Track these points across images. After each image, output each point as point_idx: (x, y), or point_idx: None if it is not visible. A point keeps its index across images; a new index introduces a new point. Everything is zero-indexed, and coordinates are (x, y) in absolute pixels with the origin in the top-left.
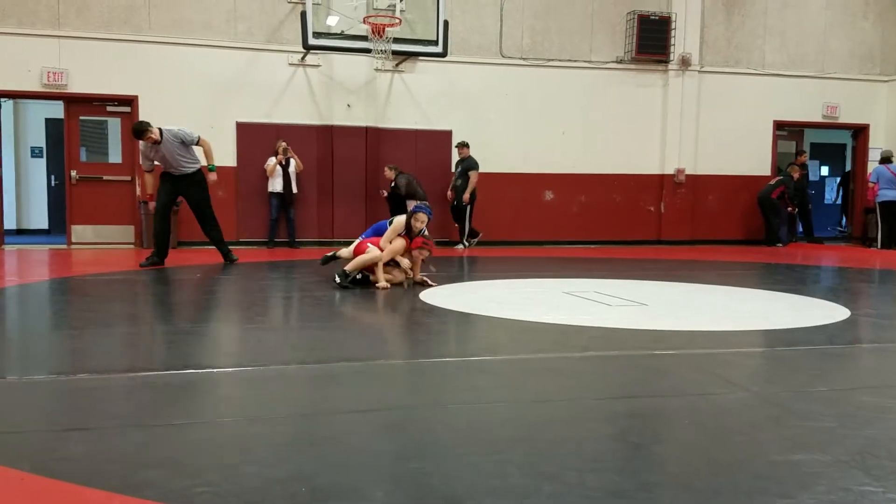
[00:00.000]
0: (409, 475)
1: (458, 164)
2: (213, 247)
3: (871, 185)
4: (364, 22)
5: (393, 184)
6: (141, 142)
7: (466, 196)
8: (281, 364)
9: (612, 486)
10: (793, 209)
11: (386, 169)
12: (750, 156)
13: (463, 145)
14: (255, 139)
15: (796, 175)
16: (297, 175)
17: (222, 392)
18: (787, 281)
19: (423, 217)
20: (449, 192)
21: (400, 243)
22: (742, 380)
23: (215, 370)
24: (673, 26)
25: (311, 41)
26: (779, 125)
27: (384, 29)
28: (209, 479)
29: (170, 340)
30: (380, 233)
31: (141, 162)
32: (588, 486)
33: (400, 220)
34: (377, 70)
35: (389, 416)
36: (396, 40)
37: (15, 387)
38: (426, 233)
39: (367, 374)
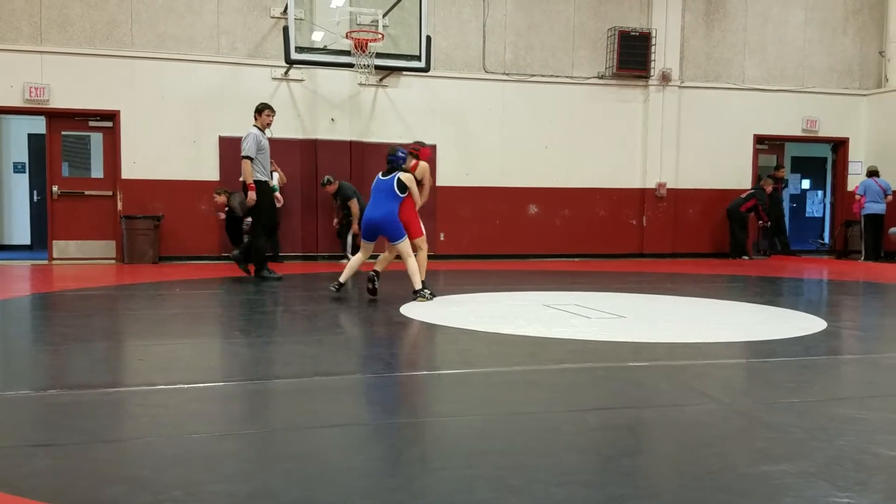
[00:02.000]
0: (376, 491)
1: (334, 197)
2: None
3: (857, 197)
4: (347, 37)
5: (227, 207)
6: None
7: (355, 227)
8: (255, 379)
9: (579, 499)
10: (765, 222)
11: (215, 195)
12: (731, 169)
13: (327, 183)
14: (238, 153)
15: (769, 189)
16: (281, 189)
17: (193, 408)
18: (766, 293)
19: (405, 155)
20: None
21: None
22: (716, 391)
23: (187, 386)
24: (653, 42)
25: (294, 56)
26: (759, 139)
27: (367, 44)
28: (174, 496)
29: (143, 356)
30: (382, 191)
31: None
32: (554, 499)
33: (408, 176)
34: (361, 85)
35: (361, 430)
36: (380, 55)
37: None
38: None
39: (341, 389)
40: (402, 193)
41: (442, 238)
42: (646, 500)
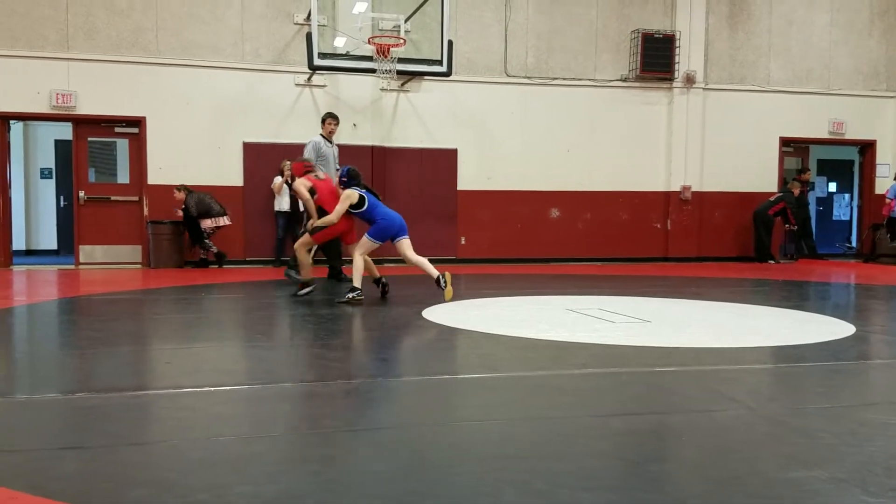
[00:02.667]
0: (400, 494)
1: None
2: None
3: (888, 200)
4: (369, 42)
5: (184, 205)
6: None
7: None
8: (279, 382)
9: None
10: (793, 225)
11: (175, 191)
12: (756, 172)
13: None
14: (262, 159)
15: (796, 191)
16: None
17: (219, 410)
18: (793, 297)
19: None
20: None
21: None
22: (743, 397)
23: (213, 389)
24: (677, 44)
25: (317, 62)
26: (784, 142)
27: (389, 49)
28: (200, 499)
29: (169, 359)
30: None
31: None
32: (580, 503)
33: (347, 192)
34: (383, 90)
35: (385, 434)
36: (401, 60)
37: (16, 406)
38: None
39: (364, 393)
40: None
41: (463, 242)
42: None
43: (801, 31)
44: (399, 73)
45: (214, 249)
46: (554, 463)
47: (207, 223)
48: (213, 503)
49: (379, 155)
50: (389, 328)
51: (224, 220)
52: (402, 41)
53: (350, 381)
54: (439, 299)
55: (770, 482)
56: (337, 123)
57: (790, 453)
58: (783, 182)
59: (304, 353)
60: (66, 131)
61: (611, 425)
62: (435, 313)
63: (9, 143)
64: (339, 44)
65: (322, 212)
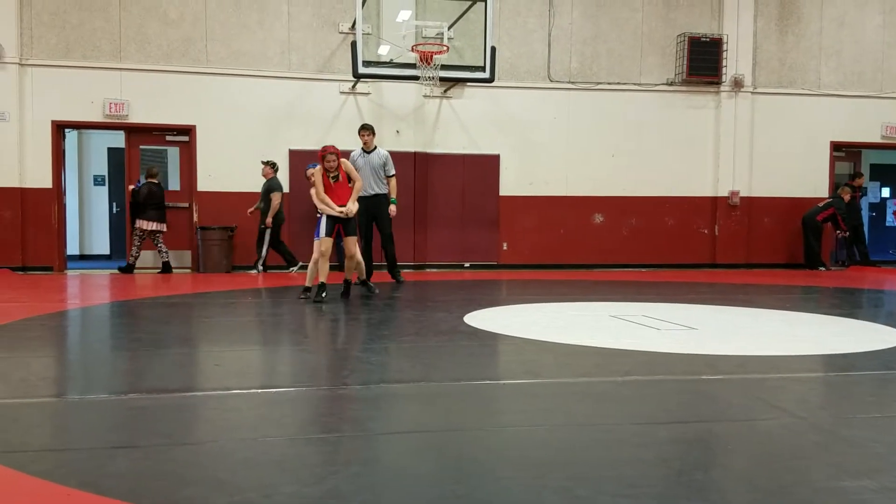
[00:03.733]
0: (443, 497)
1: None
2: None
3: None
4: (412, 50)
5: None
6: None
7: (268, 220)
8: (323, 385)
9: None
10: (844, 232)
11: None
12: (806, 177)
13: (267, 164)
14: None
15: (847, 197)
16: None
17: (266, 412)
18: (844, 305)
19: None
20: (249, 212)
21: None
22: (791, 405)
23: (260, 390)
24: (724, 47)
25: (361, 70)
26: (836, 146)
27: (432, 56)
28: (248, 498)
29: (217, 361)
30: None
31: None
32: None
33: (315, 169)
34: (426, 97)
35: (428, 438)
36: (444, 67)
37: (70, 406)
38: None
39: (407, 396)
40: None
41: (505, 248)
42: None
43: (853, 33)
44: (442, 79)
45: (164, 254)
46: (596, 470)
47: (141, 223)
48: (262, 502)
49: (421, 161)
50: (431, 333)
51: (154, 226)
52: (445, 48)
53: (392, 385)
54: (482, 305)
55: (818, 492)
56: (369, 134)
57: (839, 463)
58: (834, 187)
59: (347, 356)
60: (118, 139)
61: (654, 433)
62: (477, 318)
63: (64, 151)
64: (383, 52)
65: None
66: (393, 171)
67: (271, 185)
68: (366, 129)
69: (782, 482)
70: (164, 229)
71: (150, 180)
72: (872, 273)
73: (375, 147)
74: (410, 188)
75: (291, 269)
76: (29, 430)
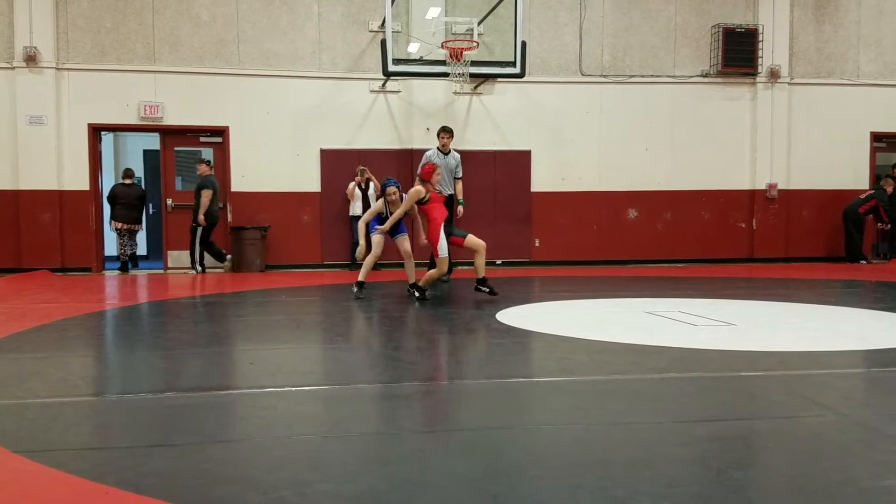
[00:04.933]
0: (478, 496)
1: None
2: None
3: None
4: (442, 47)
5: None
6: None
7: (200, 217)
8: (357, 383)
9: None
10: (886, 224)
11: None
12: (846, 169)
13: (202, 162)
14: (338, 165)
15: (889, 189)
16: (376, 197)
17: (300, 410)
18: (887, 299)
19: (392, 189)
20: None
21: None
22: (833, 402)
23: (294, 389)
24: (760, 38)
25: (391, 68)
26: (876, 136)
27: (462, 53)
28: (283, 496)
29: (251, 360)
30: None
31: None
32: None
33: (378, 205)
34: (456, 93)
35: (462, 436)
36: (474, 63)
37: (107, 405)
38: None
39: (441, 395)
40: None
41: (537, 244)
42: None
43: (892, 22)
44: (472, 76)
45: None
46: (633, 469)
47: (112, 223)
48: (296, 501)
49: None
50: (464, 331)
51: (120, 225)
52: (475, 44)
53: (426, 383)
54: (515, 302)
55: (863, 491)
56: (449, 136)
57: (884, 461)
58: (875, 179)
59: (380, 354)
60: (153, 141)
61: (692, 431)
62: (510, 315)
63: (100, 153)
64: (413, 49)
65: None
66: (461, 174)
67: (203, 183)
68: (446, 132)
69: (826, 482)
70: (136, 228)
71: (123, 181)
72: None
73: (451, 150)
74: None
75: (223, 264)
76: (68, 428)
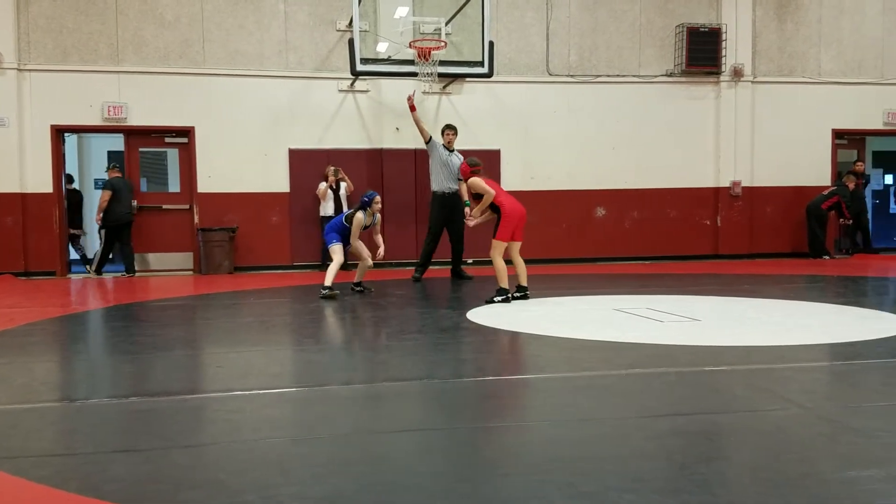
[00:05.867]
0: (446, 495)
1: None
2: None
3: None
4: (410, 46)
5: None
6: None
7: (97, 216)
8: (326, 385)
9: None
10: (848, 220)
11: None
12: (809, 166)
13: (112, 168)
14: (308, 165)
15: (851, 185)
16: (348, 197)
17: (269, 413)
18: (849, 293)
19: (377, 199)
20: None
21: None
22: (797, 396)
23: (262, 391)
24: (724, 37)
25: (359, 67)
26: (838, 134)
27: (430, 52)
28: (248, 500)
29: (219, 363)
30: (335, 229)
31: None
32: None
33: (359, 217)
34: (425, 93)
35: (432, 436)
36: (443, 63)
37: (72, 410)
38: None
39: (411, 395)
40: (346, 223)
41: None
42: None
43: (853, 20)
44: (440, 75)
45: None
46: (601, 465)
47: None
48: None
49: (422, 158)
50: (435, 330)
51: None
52: (442, 44)
53: (395, 384)
54: (485, 300)
55: (826, 483)
56: (454, 133)
57: (846, 453)
58: (837, 175)
59: (350, 355)
60: (118, 142)
61: (659, 426)
62: (480, 314)
63: (64, 155)
64: (381, 49)
65: (496, 210)
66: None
67: (104, 184)
68: (451, 129)
69: (789, 474)
70: (77, 233)
71: (67, 186)
72: (877, 261)
73: (454, 149)
74: (411, 185)
75: (89, 270)
76: (30, 435)
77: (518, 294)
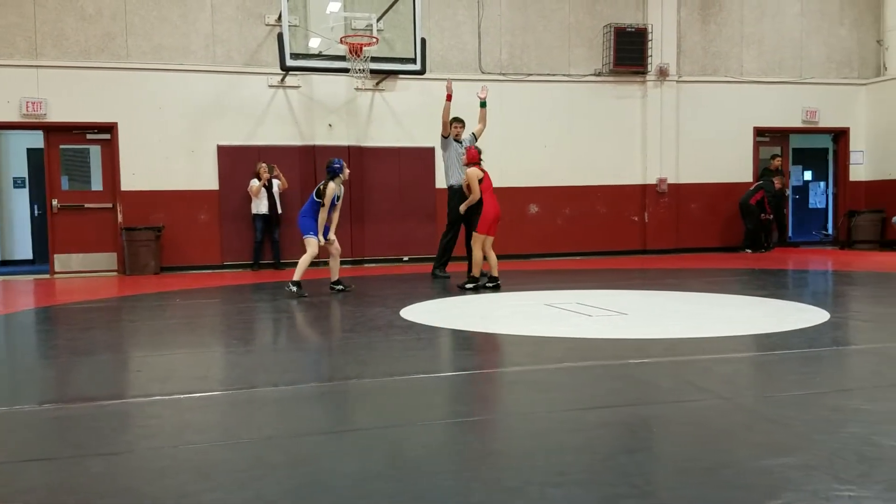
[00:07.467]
0: (370, 496)
1: None
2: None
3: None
4: (341, 42)
5: None
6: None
7: None
8: (252, 387)
9: (575, 499)
10: (769, 214)
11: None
12: (731, 163)
13: None
14: (238, 161)
15: (778, 185)
16: (281, 195)
17: (190, 418)
18: (769, 286)
19: (345, 165)
20: None
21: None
22: (717, 387)
23: (183, 396)
24: (650, 38)
25: (289, 62)
26: (759, 131)
27: (362, 48)
28: None
29: (141, 367)
30: (309, 214)
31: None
32: (550, 499)
33: (332, 186)
34: (357, 89)
35: (359, 436)
36: (375, 59)
37: None
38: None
39: (337, 395)
40: (317, 199)
41: None
42: (642, 498)
43: (773, 21)
44: (373, 72)
45: None
46: (526, 459)
47: None
48: None
49: (356, 155)
50: (367, 329)
51: None
52: (374, 40)
53: (323, 384)
54: (419, 298)
55: (742, 472)
56: (463, 126)
57: (762, 442)
58: (761, 172)
59: (279, 356)
60: (37, 139)
61: (584, 419)
62: (414, 312)
63: None
64: (312, 44)
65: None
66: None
67: None
68: (458, 122)
69: (707, 463)
70: None
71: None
72: (797, 254)
73: (462, 140)
74: (346, 183)
75: None
76: None
77: (490, 284)
